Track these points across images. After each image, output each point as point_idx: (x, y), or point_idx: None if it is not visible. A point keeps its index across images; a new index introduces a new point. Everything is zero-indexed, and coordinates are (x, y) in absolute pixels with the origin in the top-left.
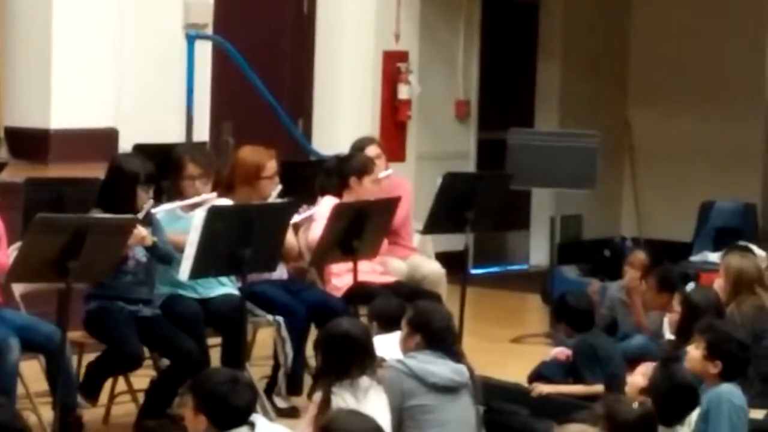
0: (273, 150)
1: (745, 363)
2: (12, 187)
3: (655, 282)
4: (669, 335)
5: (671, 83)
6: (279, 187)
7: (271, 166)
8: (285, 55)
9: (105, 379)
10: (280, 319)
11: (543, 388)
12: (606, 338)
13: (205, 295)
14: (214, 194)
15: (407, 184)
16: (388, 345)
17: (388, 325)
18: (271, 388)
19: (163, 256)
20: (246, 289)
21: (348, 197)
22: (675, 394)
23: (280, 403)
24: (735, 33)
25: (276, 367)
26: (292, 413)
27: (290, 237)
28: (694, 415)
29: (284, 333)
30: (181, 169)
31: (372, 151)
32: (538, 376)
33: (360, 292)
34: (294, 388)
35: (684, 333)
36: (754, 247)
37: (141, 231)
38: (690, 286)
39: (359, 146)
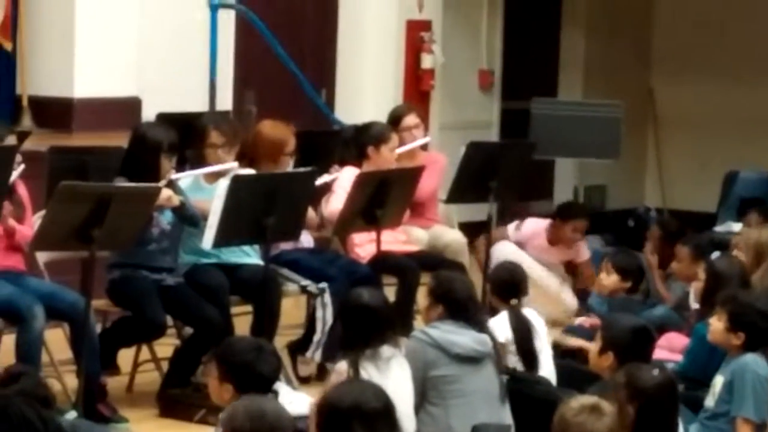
0: (291, 125)
1: None
2: (36, 156)
3: (689, 252)
4: (695, 305)
5: (695, 51)
6: (292, 161)
7: (293, 142)
8: (308, 23)
9: (119, 349)
10: (324, 285)
11: (575, 342)
12: (637, 308)
13: (230, 263)
14: (236, 164)
15: (442, 159)
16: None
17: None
18: (297, 351)
19: (190, 216)
20: (274, 257)
21: (367, 167)
22: (634, 336)
23: (303, 370)
24: None
25: (309, 331)
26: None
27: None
28: (718, 386)
29: (327, 299)
30: (205, 138)
31: (410, 120)
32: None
33: (383, 262)
34: (329, 356)
35: (708, 302)
36: None
37: (167, 191)
38: (715, 255)
39: (397, 114)
